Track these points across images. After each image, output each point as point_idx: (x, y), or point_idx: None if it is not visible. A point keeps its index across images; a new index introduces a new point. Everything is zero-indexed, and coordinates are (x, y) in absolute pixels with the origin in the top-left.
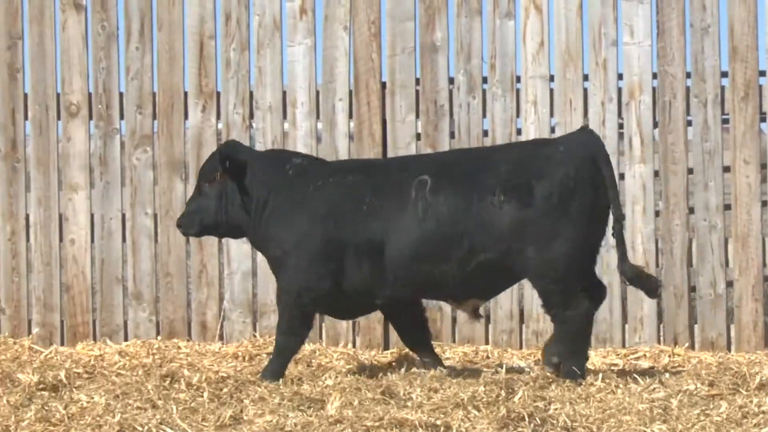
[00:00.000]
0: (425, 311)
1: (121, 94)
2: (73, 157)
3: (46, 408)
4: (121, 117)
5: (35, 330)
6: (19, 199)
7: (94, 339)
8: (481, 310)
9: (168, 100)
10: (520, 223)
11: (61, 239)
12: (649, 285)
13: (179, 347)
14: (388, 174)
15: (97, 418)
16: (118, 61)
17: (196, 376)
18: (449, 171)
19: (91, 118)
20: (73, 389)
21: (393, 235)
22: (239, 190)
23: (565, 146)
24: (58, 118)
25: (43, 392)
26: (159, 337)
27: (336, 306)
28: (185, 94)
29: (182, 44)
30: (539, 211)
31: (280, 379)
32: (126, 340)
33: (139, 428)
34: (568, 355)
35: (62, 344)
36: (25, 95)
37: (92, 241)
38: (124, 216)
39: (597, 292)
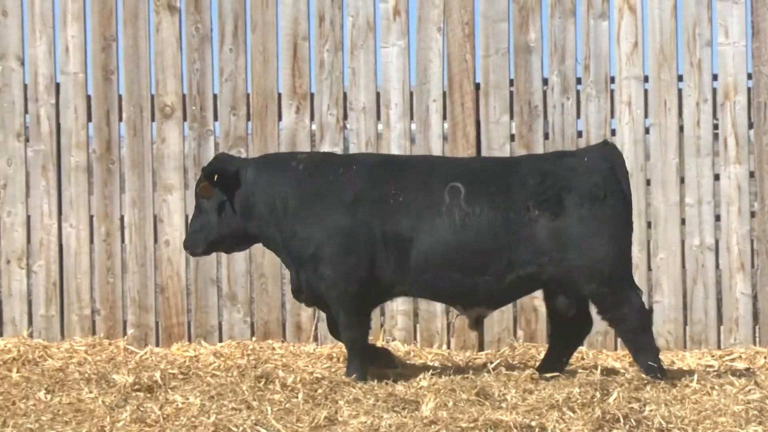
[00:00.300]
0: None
1: (215, 96)
2: (168, 159)
3: (142, 409)
4: (215, 118)
5: (130, 331)
6: (113, 200)
7: (189, 340)
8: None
9: (262, 102)
10: (557, 232)
11: (155, 240)
12: None
13: (274, 348)
14: (415, 172)
15: (192, 419)
16: (212, 63)
17: (291, 377)
18: (480, 180)
19: (185, 119)
20: (168, 390)
21: (422, 237)
22: (241, 200)
23: (588, 157)
24: (152, 119)
25: (138, 393)
26: (254, 338)
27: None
28: (279, 95)
29: (276, 45)
30: (574, 219)
31: (367, 375)
32: (221, 341)
33: (234, 429)
34: (636, 353)
35: (157, 345)
36: (120, 97)
37: None
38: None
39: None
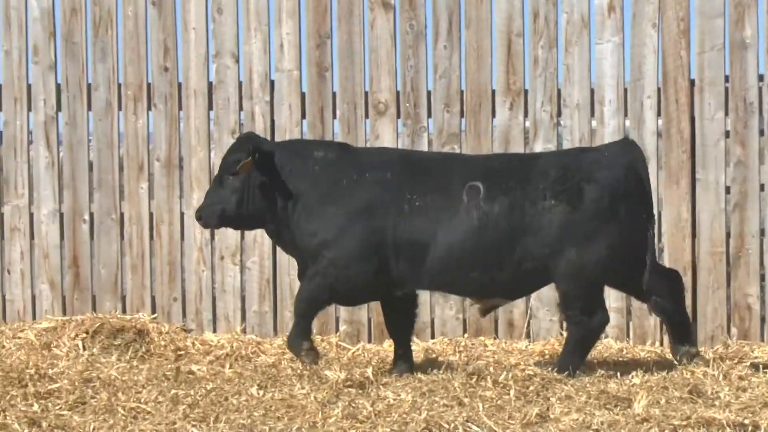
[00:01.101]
0: (417, 306)
1: (428, 93)
2: None
3: (353, 405)
4: (429, 115)
5: (342, 327)
6: None
7: None
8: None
9: (476, 99)
10: (568, 225)
11: None
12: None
13: (485, 345)
14: (433, 172)
15: (404, 416)
16: (426, 60)
17: (503, 374)
18: (499, 178)
19: (398, 116)
20: (380, 386)
21: (441, 237)
22: (265, 183)
23: (609, 152)
24: (366, 116)
25: (350, 389)
26: (466, 335)
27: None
28: (493, 92)
29: (490, 42)
30: (588, 213)
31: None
32: (433, 337)
33: (446, 426)
34: (566, 354)
35: (369, 341)
36: (334, 94)
37: None
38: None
39: (670, 282)
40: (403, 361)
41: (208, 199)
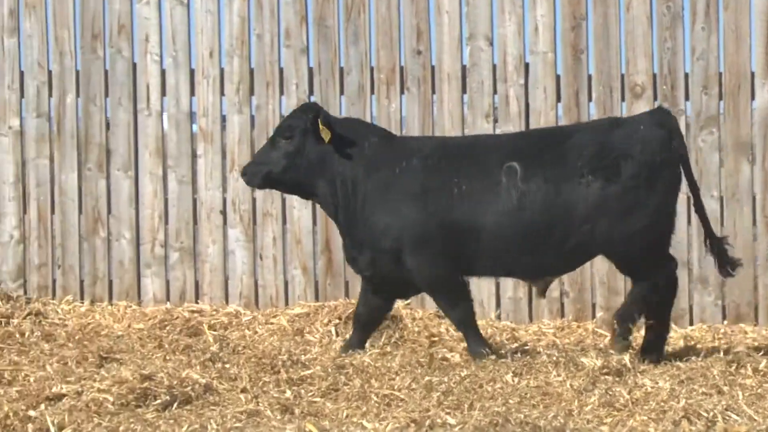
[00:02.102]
0: (392, 308)
1: (686, 75)
2: None
3: (610, 393)
4: (686, 98)
5: (599, 314)
6: None
7: None
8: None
9: (734, 81)
10: (608, 199)
11: None
12: (725, 261)
13: (746, 332)
14: (474, 156)
15: (661, 404)
16: (683, 42)
17: (764, 361)
18: (537, 156)
19: (655, 99)
20: (638, 374)
21: (489, 224)
22: (321, 155)
23: (644, 125)
24: (622, 99)
25: (606, 377)
26: (725, 322)
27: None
28: (752, 74)
29: (749, 24)
30: (628, 186)
31: (487, 348)
32: (691, 324)
33: (704, 414)
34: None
35: None
36: (589, 77)
37: None
38: (689, 198)
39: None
40: (356, 346)
41: (257, 158)
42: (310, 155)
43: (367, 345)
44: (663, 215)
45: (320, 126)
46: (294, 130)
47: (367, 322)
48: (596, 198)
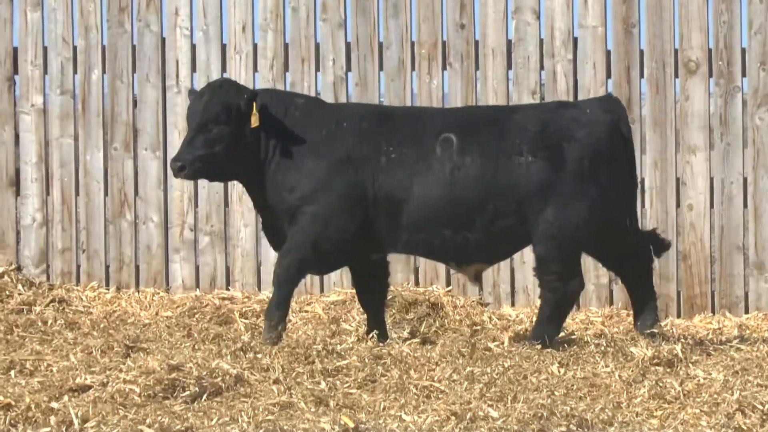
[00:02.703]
0: (389, 276)
1: (743, 50)
2: (692, 117)
3: (660, 384)
4: (743, 74)
5: None
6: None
7: (713, 311)
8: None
9: None
10: (546, 184)
11: (677, 204)
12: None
13: None
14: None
15: (714, 396)
16: (740, 15)
17: None
18: (473, 130)
19: (710, 75)
20: (689, 365)
21: (416, 194)
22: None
23: (591, 109)
24: (676, 75)
25: (657, 367)
26: None
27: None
28: None
29: None
30: (569, 173)
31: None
32: (746, 312)
33: (759, 407)
34: (542, 321)
35: (678, 316)
36: (641, 52)
37: (711, 206)
38: (745, 180)
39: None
40: (378, 326)
41: (188, 146)
42: (233, 134)
43: (406, 333)
44: (602, 206)
45: (254, 110)
46: (230, 113)
47: (373, 302)
48: (536, 179)
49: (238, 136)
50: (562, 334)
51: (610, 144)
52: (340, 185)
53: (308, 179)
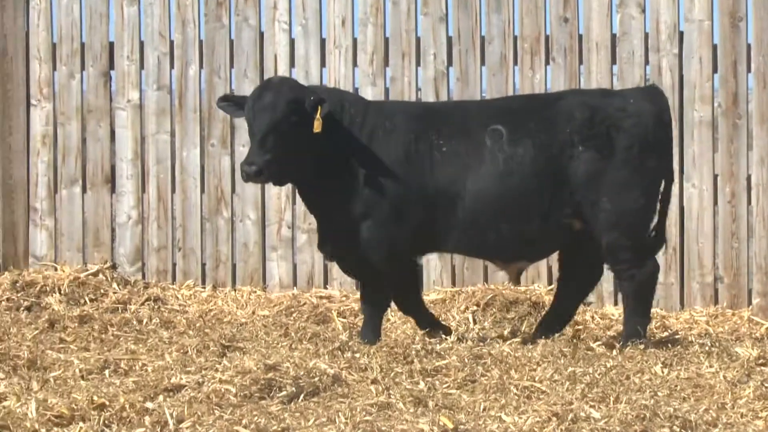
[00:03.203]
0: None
1: None
2: None
3: (766, 385)
4: None
5: (755, 300)
6: (739, 158)
7: None
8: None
9: None
10: (598, 173)
11: None
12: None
13: None
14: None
15: None
16: None
17: None
18: (522, 120)
19: None
20: None
21: (469, 190)
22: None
23: (634, 99)
24: None
25: (763, 368)
26: None
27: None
28: None
29: None
30: (618, 162)
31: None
32: None
33: None
34: (630, 314)
35: None
36: (748, 46)
37: None
38: None
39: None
40: (441, 330)
41: (264, 150)
42: (299, 137)
43: (506, 332)
44: (655, 194)
45: (318, 116)
46: (300, 110)
47: (414, 303)
48: (586, 169)
49: (307, 137)
50: (665, 333)
51: (655, 134)
52: (402, 186)
53: (370, 183)
